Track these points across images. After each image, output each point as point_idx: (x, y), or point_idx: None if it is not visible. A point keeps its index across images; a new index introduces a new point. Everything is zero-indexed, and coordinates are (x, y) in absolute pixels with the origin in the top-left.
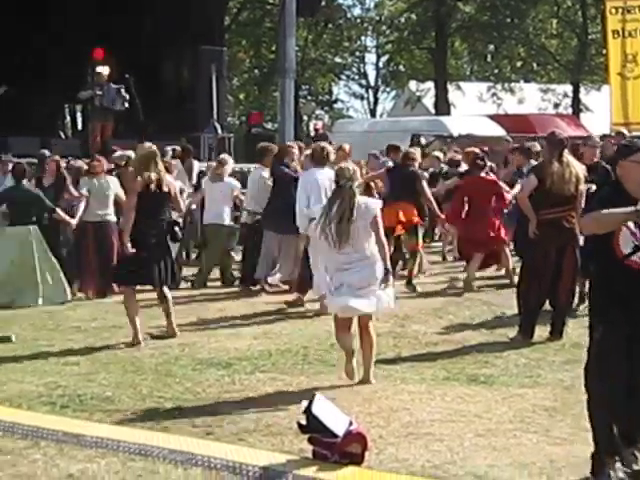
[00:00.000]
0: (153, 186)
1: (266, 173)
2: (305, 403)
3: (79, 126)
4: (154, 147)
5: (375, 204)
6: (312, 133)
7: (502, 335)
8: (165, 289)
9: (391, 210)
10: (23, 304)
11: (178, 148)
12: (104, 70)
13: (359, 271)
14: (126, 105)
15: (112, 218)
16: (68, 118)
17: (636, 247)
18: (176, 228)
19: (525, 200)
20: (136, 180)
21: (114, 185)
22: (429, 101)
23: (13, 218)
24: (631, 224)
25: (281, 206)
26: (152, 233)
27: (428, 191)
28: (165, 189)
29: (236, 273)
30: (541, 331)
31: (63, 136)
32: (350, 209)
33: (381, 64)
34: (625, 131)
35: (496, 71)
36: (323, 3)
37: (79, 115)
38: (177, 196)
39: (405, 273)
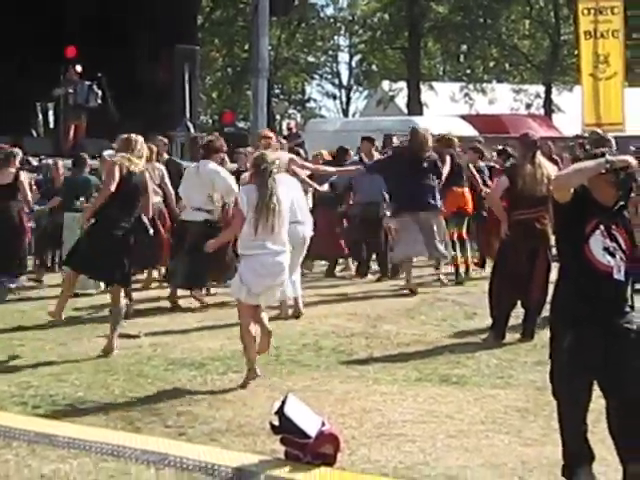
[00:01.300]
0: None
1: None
2: (277, 404)
3: (51, 124)
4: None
5: None
6: (285, 132)
7: (474, 336)
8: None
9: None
10: (88, 291)
11: (153, 147)
12: (76, 68)
13: None
14: (99, 101)
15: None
16: (40, 116)
17: (605, 249)
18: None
19: (497, 200)
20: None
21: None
22: (402, 101)
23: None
24: (602, 227)
25: None
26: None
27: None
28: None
29: None
30: (512, 332)
31: (35, 134)
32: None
33: (354, 64)
34: (599, 131)
35: (469, 71)
36: (296, 2)
37: (51, 113)
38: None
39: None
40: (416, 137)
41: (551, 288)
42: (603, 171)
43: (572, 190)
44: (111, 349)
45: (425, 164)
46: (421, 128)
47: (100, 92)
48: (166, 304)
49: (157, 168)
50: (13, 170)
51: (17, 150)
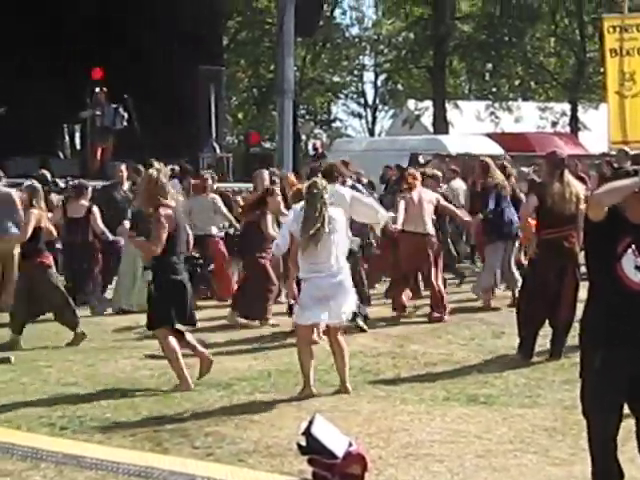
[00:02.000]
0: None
1: None
2: (305, 424)
3: (78, 146)
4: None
5: None
6: (311, 152)
7: (502, 355)
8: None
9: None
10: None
11: (177, 168)
12: (103, 90)
13: None
14: (125, 123)
15: (215, 232)
16: (67, 138)
17: (637, 268)
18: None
19: (526, 220)
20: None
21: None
22: (427, 120)
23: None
24: (634, 245)
25: None
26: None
27: None
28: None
29: None
30: (540, 351)
31: (62, 156)
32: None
33: (379, 83)
34: (627, 149)
35: (494, 90)
36: (321, 23)
37: (78, 135)
38: None
39: None
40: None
41: (579, 307)
42: (637, 190)
43: (606, 208)
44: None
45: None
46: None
47: (126, 114)
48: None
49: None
50: (85, 203)
51: (87, 183)
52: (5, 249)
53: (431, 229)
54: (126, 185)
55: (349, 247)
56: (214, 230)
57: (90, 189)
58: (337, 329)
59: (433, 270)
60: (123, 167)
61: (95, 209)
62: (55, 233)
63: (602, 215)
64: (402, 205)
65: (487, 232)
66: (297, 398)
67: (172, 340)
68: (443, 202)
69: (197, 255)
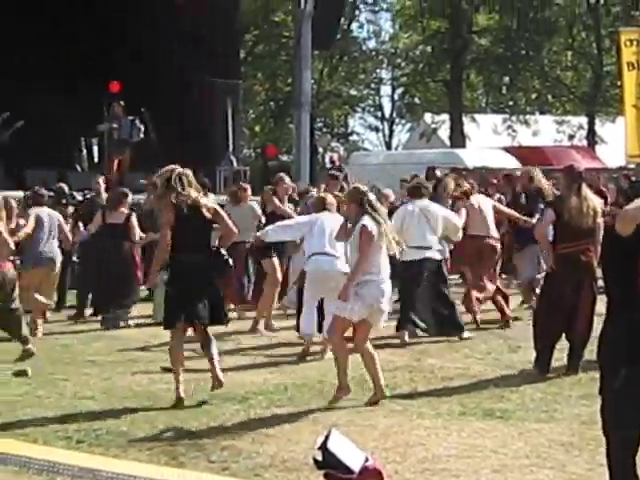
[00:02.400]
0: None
1: None
2: (321, 438)
3: (95, 159)
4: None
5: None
6: (328, 165)
7: (518, 369)
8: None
9: None
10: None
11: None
12: (120, 103)
13: None
14: (141, 136)
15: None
16: (85, 151)
17: None
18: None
19: (543, 234)
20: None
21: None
22: (444, 133)
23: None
24: None
25: None
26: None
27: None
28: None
29: None
30: (557, 366)
31: (80, 169)
32: None
33: (396, 96)
34: None
35: (511, 103)
36: (338, 36)
37: (95, 148)
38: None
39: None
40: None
41: (596, 321)
42: None
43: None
44: (220, 382)
45: None
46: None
47: (143, 127)
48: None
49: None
50: (125, 211)
51: (128, 191)
52: None
53: (495, 232)
54: (104, 196)
55: None
56: (250, 238)
57: (130, 197)
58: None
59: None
60: (100, 179)
61: (134, 217)
62: (13, 246)
63: (630, 230)
64: (464, 212)
65: (522, 238)
66: (313, 411)
67: (178, 345)
68: (499, 206)
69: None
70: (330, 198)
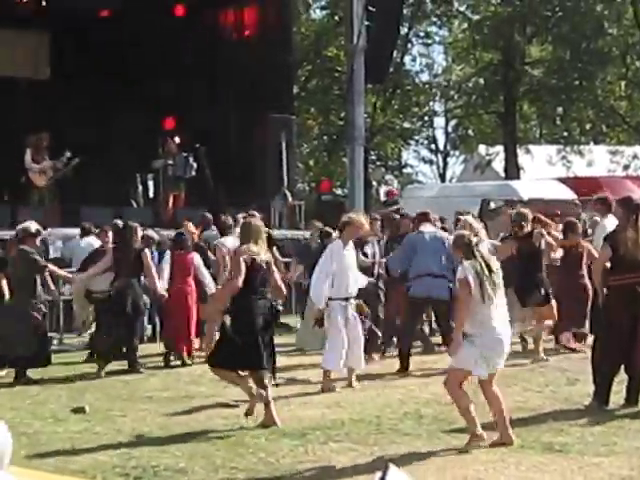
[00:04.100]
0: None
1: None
2: (379, 474)
3: (150, 195)
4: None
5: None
6: (383, 198)
7: (577, 403)
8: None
9: None
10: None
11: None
12: (175, 140)
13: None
14: (193, 173)
15: None
16: (140, 187)
17: None
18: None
19: (597, 271)
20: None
21: None
22: (499, 165)
23: None
24: None
25: None
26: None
27: None
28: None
29: None
30: (616, 398)
31: (135, 205)
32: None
33: (450, 129)
34: None
35: (565, 134)
36: (391, 70)
37: (151, 184)
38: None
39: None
40: None
41: None
42: None
43: None
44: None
45: None
46: None
47: (195, 164)
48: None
49: None
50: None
51: (137, 225)
52: None
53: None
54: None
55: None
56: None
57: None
58: (492, 378)
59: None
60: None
61: (147, 252)
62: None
63: None
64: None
65: None
66: (370, 446)
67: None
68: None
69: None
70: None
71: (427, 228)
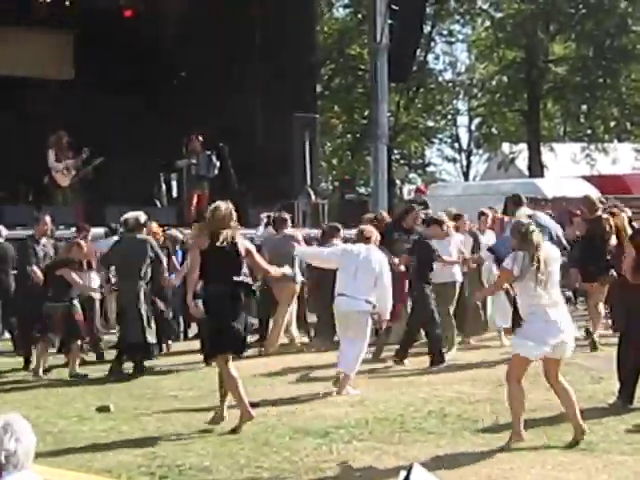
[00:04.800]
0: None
1: None
2: (403, 473)
3: (174, 194)
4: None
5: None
6: (407, 196)
7: (601, 401)
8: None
9: None
10: None
11: (272, 215)
12: (199, 139)
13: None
14: (216, 172)
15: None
16: (163, 186)
17: None
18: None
19: (629, 269)
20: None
21: None
22: (522, 163)
23: None
24: None
25: None
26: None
27: None
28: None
29: None
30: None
31: (159, 205)
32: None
33: (473, 127)
34: None
35: (589, 131)
36: (414, 68)
37: (174, 184)
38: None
39: None
40: None
41: None
42: None
43: None
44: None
45: None
46: None
47: (218, 162)
48: (289, 372)
49: None
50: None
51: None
52: None
53: None
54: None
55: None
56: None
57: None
58: (558, 367)
59: None
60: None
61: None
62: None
63: None
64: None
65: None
66: (395, 445)
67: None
68: None
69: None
70: (368, 230)
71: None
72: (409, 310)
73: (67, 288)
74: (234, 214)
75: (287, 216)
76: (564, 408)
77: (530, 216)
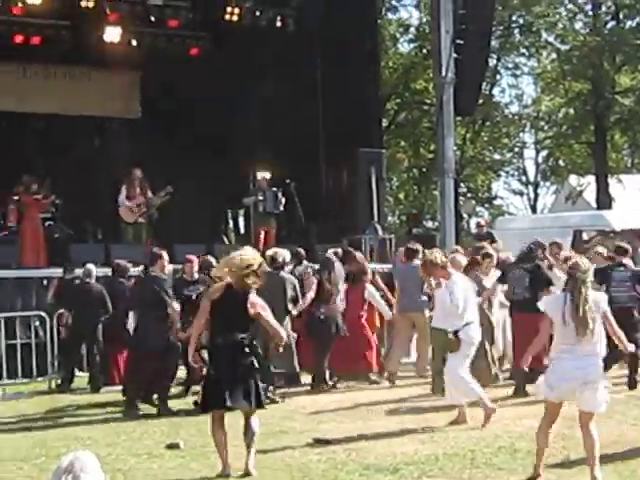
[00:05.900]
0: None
1: None
2: None
3: (242, 231)
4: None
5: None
6: (474, 230)
7: None
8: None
9: None
10: None
11: (339, 250)
12: (265, 176)
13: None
14: (282, 208)
15: None
16: (231, 223)
17: None
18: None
19: None
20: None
21: None
22: (590, 195)
23: None
24: None
25: None
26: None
27: None
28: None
29: None
30: None
31: (227, 241)
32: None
33: (540, 159)
34: None
35: None
36: (480, 101)
37: (241, 220)
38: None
39: None
40: None
41: None
42: None
43: None
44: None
45: None
46: None
47: (284, 199)
48: (358, 407)
49: None
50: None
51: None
52: None
53: None
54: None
55: None
56: None
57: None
58: (589, 416)
59: None
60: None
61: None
62: None
63: None
64: None
65: None
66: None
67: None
68: None
69: None
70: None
71: None
72: None
73: None
74: (254, 264)
75: (418, 247)
76: (586, 451)
77: None
